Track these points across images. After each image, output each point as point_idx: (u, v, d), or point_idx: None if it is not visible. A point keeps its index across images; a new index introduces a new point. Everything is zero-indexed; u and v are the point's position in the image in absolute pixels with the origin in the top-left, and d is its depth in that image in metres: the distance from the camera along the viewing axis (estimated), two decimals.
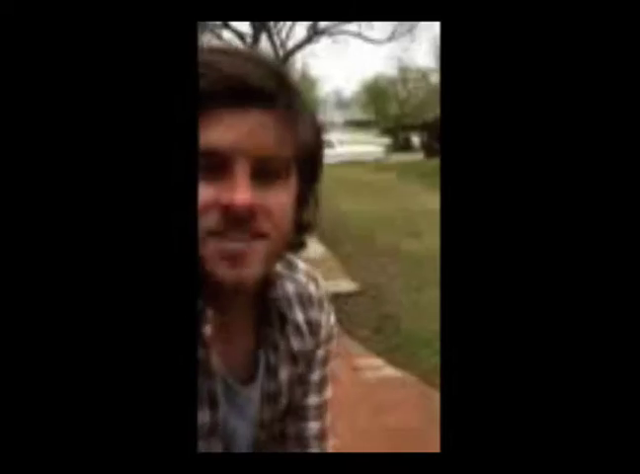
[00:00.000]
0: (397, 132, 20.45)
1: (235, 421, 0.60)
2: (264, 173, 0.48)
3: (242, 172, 0.46)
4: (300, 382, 0.66)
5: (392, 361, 2.60)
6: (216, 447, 0.58)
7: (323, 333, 0.66)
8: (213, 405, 0.56)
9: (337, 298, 3.53)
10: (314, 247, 4.89)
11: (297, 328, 0.63)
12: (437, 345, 2.65)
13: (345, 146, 17.14)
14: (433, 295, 3.47)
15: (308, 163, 0.53)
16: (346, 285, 3.79)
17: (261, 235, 0.48)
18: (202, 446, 0.56)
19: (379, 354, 2.71)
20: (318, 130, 0.54)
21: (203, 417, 0.55)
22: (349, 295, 3.62)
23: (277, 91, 0.48)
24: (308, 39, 17.18)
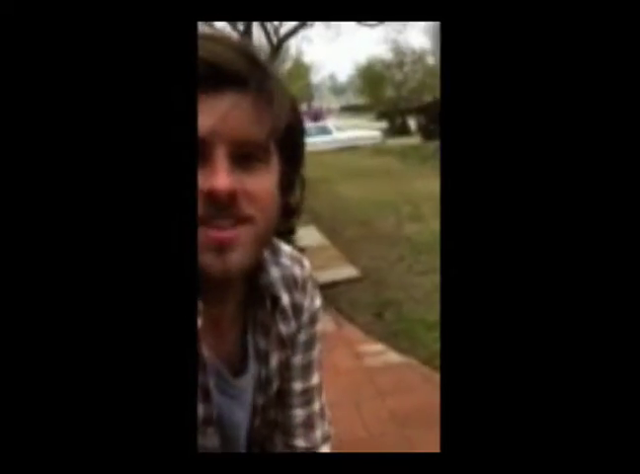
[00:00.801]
0: (394, 116, 20.34)
1: (230, 411, 0.61)
2: (243, 157, 0.48)
3: (221, 157, 0.46)
4: (285, 367, 0.66)
5: (395, 347, 2.62)
6: (212, 439, 0.59)
7: (305, 316, 0.67)
8: (206, 398, 0.57)
9: (337, 285, 3.56)
10: (313, 235, 4.89)
11: (283, 311, 0.64)
12: (438, 330, 2.67)
13: (341, 132, 17.12)
14: (436, 280, 3.49)
15: (289, 146, 0.53)
16: (346, 272, 3.80)
17: (245, 220, 0.48)
18: (198, 439, 0.55)
19: (382, 339, 2.72)
20: (295, 112, 0.54)
21: (198, 410, 0.55)
22: (349, 282, 3.63)
23: (248, 72, 0.48)
24: (301, 25, 16.96)
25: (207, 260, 0.47)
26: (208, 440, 0.58)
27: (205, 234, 0.46)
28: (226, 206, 0.46)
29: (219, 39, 0.49)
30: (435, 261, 3.89)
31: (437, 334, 2.65)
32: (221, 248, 0.47)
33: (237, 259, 0.48)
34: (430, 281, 3.44)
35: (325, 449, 0.71)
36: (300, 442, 0.69)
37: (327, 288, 3.50)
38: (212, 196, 0.46)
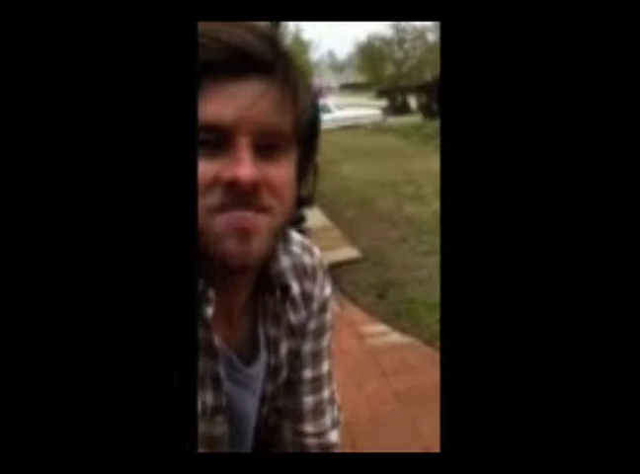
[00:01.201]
0: (394, 94, 20.14)
1: (241, 399, 0.62)
2: (266, 146, 0.47)
3: (244, 146, 0.46)
4: (295, 355, 0.67)
5: (397, 327, 2.64)
6: (221, 427, 0.59)
7: (315, 304, 0.67)
8: (217, 386, 0.57)
9: (340, 266, 3.57)
10: (315, 215, 4.89)
11: (293, 300, 0.64)
12: None
13: (341, 110, 16.97)
14: (438, 260, 3.50)
15: (307, 133, 0.53)
16: (348, 253, 3.81)
17: (265, 210, 0.48)
18: (206, 427, 0.56)
19: (384, 320, 2.74)
20: (314, 98, 0.54)
21: (208, 398, 0.56)
22: (351, 263, 3.64)
23: (275, 60, 0.47)
24: None
25: (230, 246, 0.47)
26: (217, 429, 0.59)
27: (227, 221, 0.46)
28: (249, 196, 0.46)
29: (243, 25, 0.48)
30: (437, 241, 3.91)
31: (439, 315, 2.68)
32: (244, 235, 0.47)
33: (257, 246, 0.48)
34: (432, 262, 3.45)
35: (334, 435, 0.72)
36: (309, 428, 0.70)
37: (330, 269, 3.52)
38: (235, 185, 0.45)
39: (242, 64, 0.45)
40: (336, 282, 3.33)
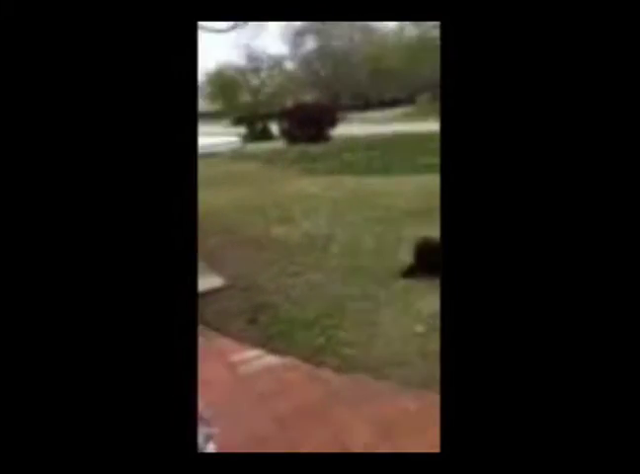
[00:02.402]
0: (253, 121, 20.46)
1: None
2: None
3: None
4: None
5: (272, 350, 2.56)
6: None
7: None
8: None
9: (203, 297, 3.41)
10: None
11: None
12: (317, 327, 2.67)
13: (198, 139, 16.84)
14: (311, 279, 3.51)
15: None
16: (211, 282, 3.66)
17: None
18: None
19: (257, 345, 2.64)
20: None
21: None
22: (216, 292, 3.50)
23: None
24: None
25: None
26: None
27: None
28: None
29: None
30: (308, 260, 3.93)
31: (316, 330, 2.64)
32: None
33: None
34: (304, 281, 3.45)
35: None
36: None
37: None
38: None
39: None
40: (200, 314, 3.16)
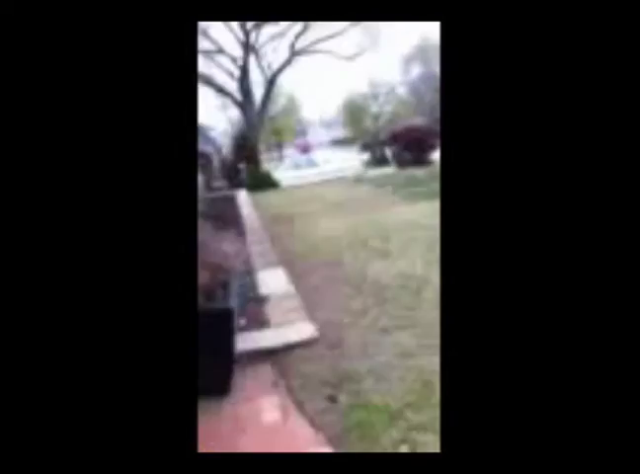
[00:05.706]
0: (375, 147, 19.73)
1: None
2: None
3: None
4: None
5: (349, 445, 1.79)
6: None
7: None
8: None
9: (294, 348, 2.76)
10: (279, 280, 4.11)
11: None
12: (401, 424, 1.84)
13: (329, 164, 16.82)
14: (400, 341, 2.69)
15: None
16: (304, 331, 2.99)
17: None
18: None
19: (331, 434, 1.89)
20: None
21: None
22: (305, 345, 2.83)
23: None
24: (289, 60, 17.33)
25: None
26: None
27: None
28: None
29: None
30: (400, 312, 3.09)
31: (400, 427, 1.82)
32: None
33: None
34: (392, 344, 2.64)
35: None
36: None
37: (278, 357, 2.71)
38: None
39: None
40: (283, 377, 2.51)
